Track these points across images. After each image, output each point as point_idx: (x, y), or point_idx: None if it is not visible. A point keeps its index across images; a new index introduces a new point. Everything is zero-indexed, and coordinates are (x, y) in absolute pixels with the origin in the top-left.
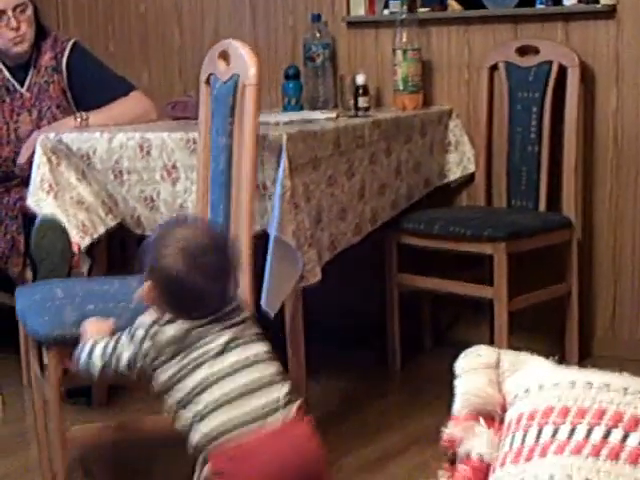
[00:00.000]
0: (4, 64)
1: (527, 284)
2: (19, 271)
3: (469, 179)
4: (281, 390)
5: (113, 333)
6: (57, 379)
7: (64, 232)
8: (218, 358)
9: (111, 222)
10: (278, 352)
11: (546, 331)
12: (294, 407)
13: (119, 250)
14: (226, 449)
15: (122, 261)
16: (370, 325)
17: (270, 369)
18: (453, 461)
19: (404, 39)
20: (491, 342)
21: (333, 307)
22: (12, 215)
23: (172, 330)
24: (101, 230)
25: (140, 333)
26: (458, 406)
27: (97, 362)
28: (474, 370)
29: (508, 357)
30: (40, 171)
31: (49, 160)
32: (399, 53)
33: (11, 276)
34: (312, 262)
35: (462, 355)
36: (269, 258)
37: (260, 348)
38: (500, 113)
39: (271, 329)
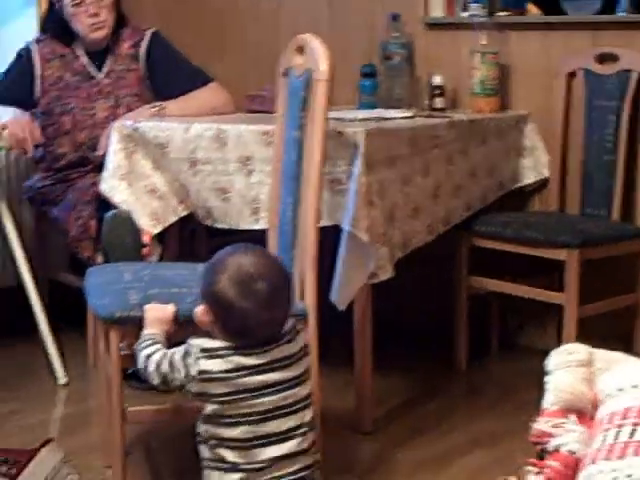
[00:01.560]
0: (83, 50)
1: (595, 292)
2: (90, 255)
3: (542, 184)
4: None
5: (175, 318)
6: (118, 358)
7: (134, 226)
8: (256, 423)
9: (183, 212)
10: (345, 347)
11: (614, 340)
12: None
13: (189, 240)
14: None
15: (192, 251)
16: (437, 325)
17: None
18: (542, 456)
19: (483, 42)
20: (558, 347)
21: (402, 306)
22: (85, 200)
23: (221, 365)
24: (172, 219)
25: (190, 362)
26: (549, 402)
27: (155, 378)
28: (566, 367)
29: (601, 356)
30: (115, 158)
31: (124, 148)
32: (477, 56)
33: (82, 260)
34: (384, 259)
35: (554, 352)
36: (341, 253)
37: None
38: (576, 120)
39: (340, 323)
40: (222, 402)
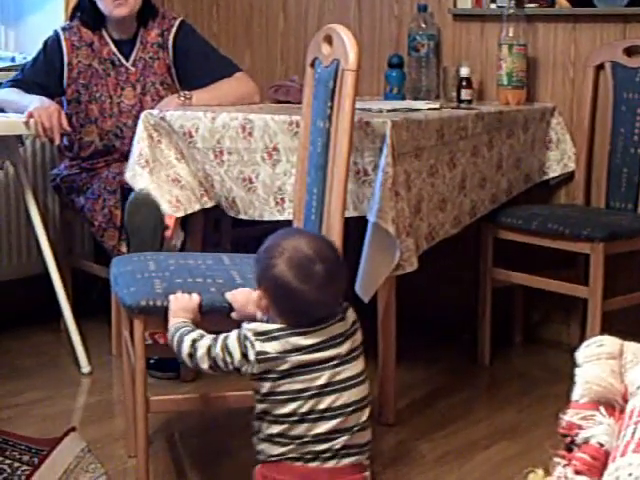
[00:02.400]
0: (111, 38)
1: (620, 286)
2: (114, 244)
3: (569, 177)
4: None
5: (200, 308)
6: (142, 347)
7: (157, 208)
8: (312, 398)
9: (206, 204)
10: (369, 338)
11: (638, 334)
12: (361, 457)
13: (214, 230)
14: (280, 466)
15: (216, 242)
16: (461, 318)
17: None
18: (570, 448)
19: (510, 34)
20: (582, 341)
21: (426, 298)
22: (111, 189)
23: (278, 346)
24: (196, 207)
25: (247, 345)
26: (578, 394)
27: (204, 362)
28: (596, 359)
29: (632, 348)
30: (139, 146)
31: (150, 136)
32: (505, 48)
33: (107, 249)
34: (409, 251)
35: (585, 344)
36: (367, 244)
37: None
38: (604, 113)
39: (364, 314)
40: (279, 378)
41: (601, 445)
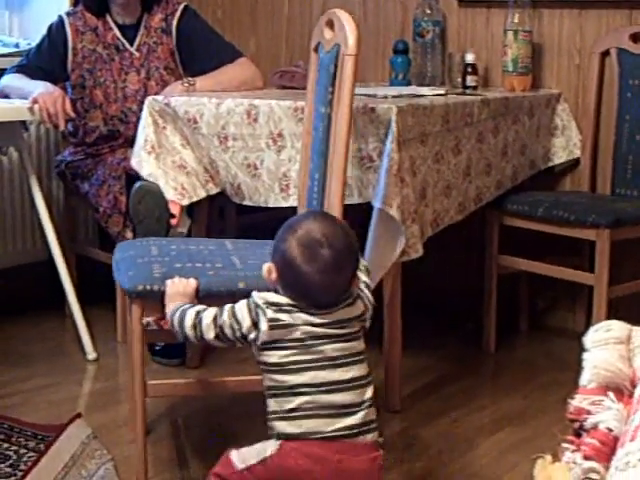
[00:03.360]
0: (115, 23)
1: (626, 272)
2: (119, 230)
3: (574, 164)
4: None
5: (197, 293)
6: (139, 331)
7: (161, 197)
8: (323, 371)
9: (212, 190)
10: (375, 325)
11: None
12: (372, 435)
13: (218, 217)
14: (298, 443)
15: (221, 228)
16: (467, 304)
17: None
18: (579, 434)
19: (516, 20)
20: (587, 328)
21: (431, 284)
22: (116, 175)
23: (289, 319)
24: (201, 194)
25: (259, 312)
26: (586, 379)
27: (210, 331)
28: (604, 344)
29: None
30: (145, 132)
31: (155, 122)
32: (510, 34)
33: (111, 235)
34: (414, 237)
35: (593, 329)
36: (372, 230)
37: (360, 371)
38: (609, 100)
39: None
40: (290, 348)
41: (610, 430)
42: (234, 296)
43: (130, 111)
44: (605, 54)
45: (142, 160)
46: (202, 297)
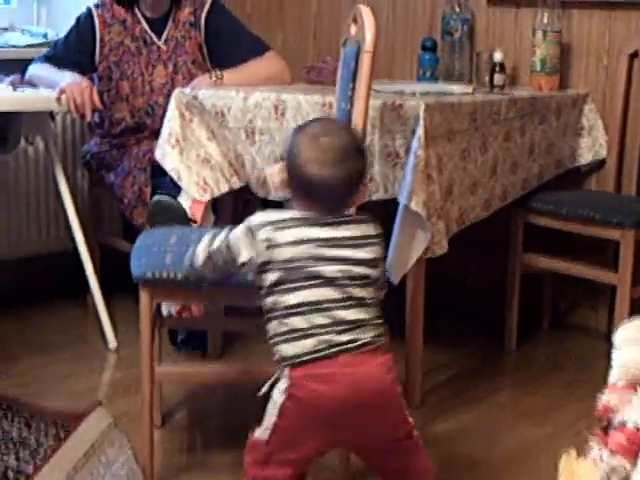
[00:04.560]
0: (143, 16)
1: None
2: (143, 222)
3: (600, 165)
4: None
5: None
6: (148, 317)
7: (180, 210)
8: (322, 288)
9: (235, 184)
10: (397, 320)
11: None
12: (379, 343)
13: (243, 211)
14: (306, 367)
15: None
16: (489, 301)
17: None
18: (606, 429)
19: (545, 20)
20: (609, 328)
21: (455, 281)
22: (141, 166)
23: (288, 237)
24: (224, 189)
25: (260, 234)
26: (615, 377)
27: (200, 254)
28: (634, 342)
29: None
30: (170, 125)
31: (181, 115)
32: (539, 34)
33: (135, 226)
34: (440, 234)
35: (621, 327)
36: (397, 226)
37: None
38: (636, 101)
39: (392, 296)
40: (287, 268)
41: (638, 429)
42: (244, 286)
43: (157, 104)
44: (634, 55)
45: (165, 154)
46: (211, 285)
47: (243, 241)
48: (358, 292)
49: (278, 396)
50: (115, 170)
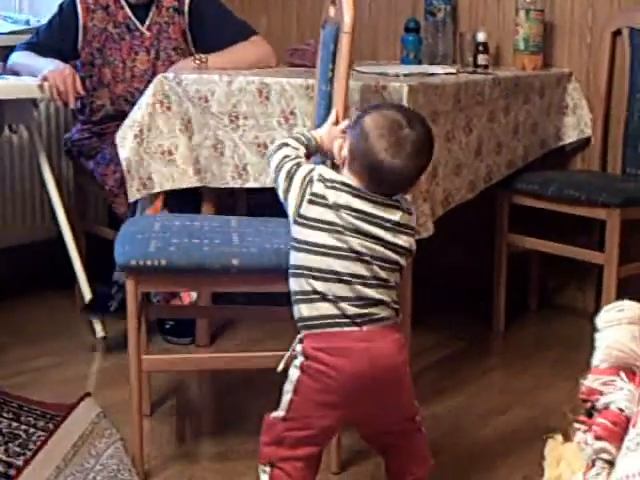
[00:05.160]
0: (127, 2)
1: (636, 252)
2: (125, 211)
3: (585, 143)
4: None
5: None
6: (134, 306)
7: None
8: (349, 261)
9: (193, 182)
10: None
11: None
12: (394, 320)
13: (229, 196)
14: (321, 338)
15: (231, 208)
16: (477, 283)
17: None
18: (590, 414)
19: None
20: (597, 308)
21: (441, 263)
22: None
23: (335, 198)
24: (177, 185)
25: (315, 186)
26: (599, 359)
27: (271, 172)
28: (617, 324)
29: None
30: (140, 112)
31: (158, 102)
32: (522, 13)
33: (118, 215)
34: (425, 216)
35: (604, 309)
36: None
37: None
38: (620, 79)
39: None
40: (323, 229)
41: (621, 411)
42: (228, 272)
43: (137, 91)
44: (617, 33)
45: (126, 139)
46: (195, 272)
47: (298, 185)
48: (384, 274)
49: (294, 373)
50: (95, 158)
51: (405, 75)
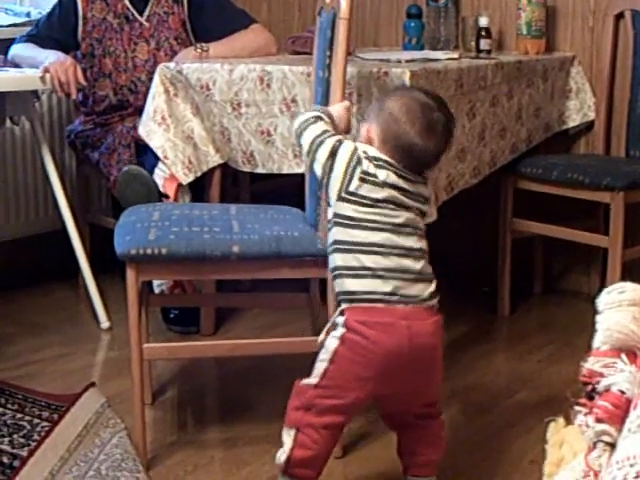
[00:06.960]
0: None
1: None
2: None
3: (588, 127)
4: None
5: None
6: (135, 295)
7: (149, 180)
8: (392, 234)
9: (218, 160)
10: None
11: None
12: (434, 301)
13: (232, 185)
14: (365, 311)
15: (234, 195)
16: (481, 268)
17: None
18: (591, 396)
19: None
20: (601, 291)
21: (446, 248)
22: (125, 143)
23: (386, 177)
24: (204, 168)
25: (364, 164)
26: (599, 341)
27: (305, 144)
28: (617, 306)
29: None
30: (155, 102)
31: (166, 91)
32: None
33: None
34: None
35: (605, 291)
36: None
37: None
38: (623, 62)
39: None
40: (371, 206)
41: (622, 393)
42: (228, 259)
43: (139, 81)
44: (619, 16)
45: (151, 131)
46: (195, 259)
47: (345, 162)
48: (418, 243)
49: (332, 343)
50: (99, 148)
51: (407, 61)
